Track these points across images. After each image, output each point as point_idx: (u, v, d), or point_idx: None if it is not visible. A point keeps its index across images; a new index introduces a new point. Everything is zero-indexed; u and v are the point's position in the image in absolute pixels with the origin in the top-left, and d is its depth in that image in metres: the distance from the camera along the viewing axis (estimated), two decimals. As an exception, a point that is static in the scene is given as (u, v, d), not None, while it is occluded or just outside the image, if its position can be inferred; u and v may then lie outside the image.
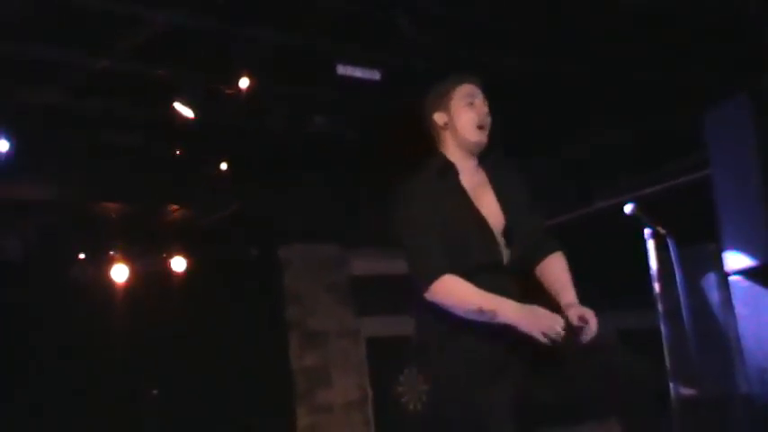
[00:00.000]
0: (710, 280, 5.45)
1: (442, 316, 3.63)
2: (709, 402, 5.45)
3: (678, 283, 5.05)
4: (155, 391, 8.46)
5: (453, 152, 3.88)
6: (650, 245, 4.92)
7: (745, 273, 4.76)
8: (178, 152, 6.82)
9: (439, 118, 3.87)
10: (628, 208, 4.85)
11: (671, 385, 4.73)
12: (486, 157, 3.96)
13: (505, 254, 3.78)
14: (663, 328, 4.96)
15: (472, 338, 3.59)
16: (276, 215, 8.51)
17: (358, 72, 6.09)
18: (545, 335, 3.44)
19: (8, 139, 6.14)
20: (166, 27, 5.38)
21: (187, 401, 8.45)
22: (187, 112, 6.10)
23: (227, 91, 6.04)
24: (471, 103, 3.86)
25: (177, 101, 6.02)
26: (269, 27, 5.64)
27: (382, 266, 10.03)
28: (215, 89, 6.08)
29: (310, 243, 9.62)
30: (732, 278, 4.87)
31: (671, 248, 4.96)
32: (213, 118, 6.35)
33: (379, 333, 9.95)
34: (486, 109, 3.88)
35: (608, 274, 9.39)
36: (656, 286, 4.88)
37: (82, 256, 7.89)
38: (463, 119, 3.84)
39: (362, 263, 9.95)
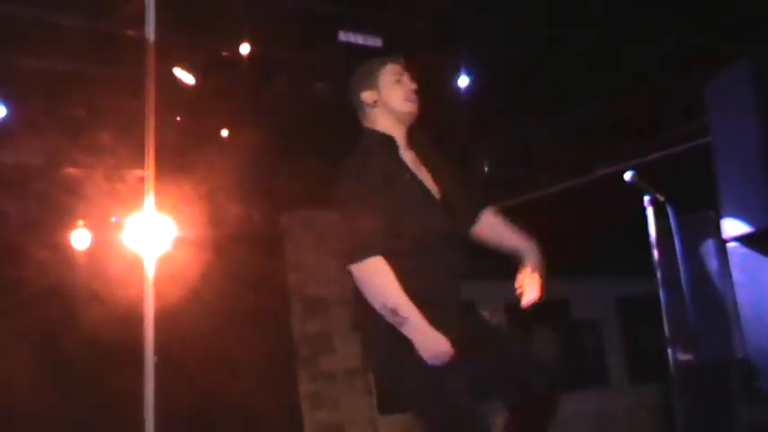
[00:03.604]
0: (709, 247, 5.46)
1: None
2: (706, 367, 5.48)
3: (677, 250, 5.07)
4: (155, 359, 8.46)
5: (386, 129, 3.97)
6: (650, 212, 4.95)
7: (742, 239, 4.77)
8: (179, 118, 6.81)
9: (368, 96, 3.97)
10: (628, 176, 4.87)
11: (669, 350, 4.77)
12: (414, 138, 4.05)
13: (449, 224, 3.87)
14: (662, 294, 4.99)
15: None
16: (278, 182, 8.52)
17: (360, 39, 6.08)
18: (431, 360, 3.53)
19: (6, 103, 6.15)
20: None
21: (188, 369, 8.48)
22: (187, 77, 6.09)
23: (229, 56, 6.04)
24: (399, 81, 3.96)
25: (177, 66, 6.02)
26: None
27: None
28: (216, 55, 6.07)
29: (312, 210, 9.63)
30: (730, 245, 4.88)
31: (670, 216, 4.98)
32: (214, 84, 6.35)
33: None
34: (413, 86, 3.99)
35: (607, 241, 9.44)
36: (656, 253, 4.92)
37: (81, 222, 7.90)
38: (393, 94, 3.94)
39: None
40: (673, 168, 6.66)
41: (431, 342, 3.52)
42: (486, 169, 8.48)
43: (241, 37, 5.92)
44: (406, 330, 3.51)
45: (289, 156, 7.91)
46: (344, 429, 9.48)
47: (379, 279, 3.56)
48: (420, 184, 3.89)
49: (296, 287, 9.56)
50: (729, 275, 4.99)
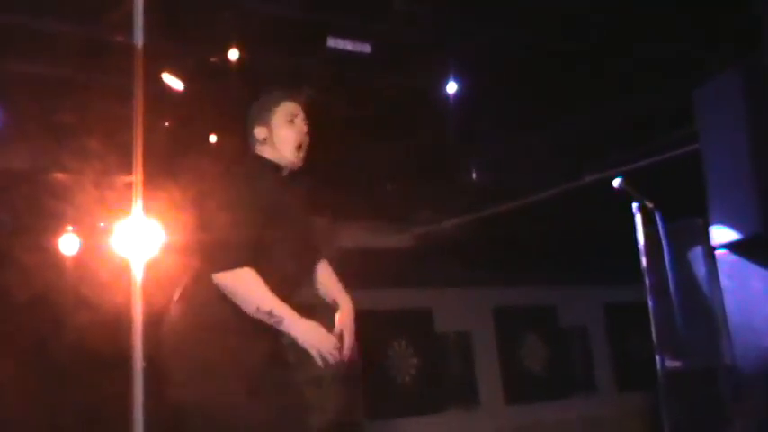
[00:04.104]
0: (697, 254, 5.48)
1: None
2: (694, 374, 5.50)
3: (665, 257, 5.08)
4: (143, 364, 8.41)
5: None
6: (638, 219, 4.96)
7: (730, 246, 4.79)
8: (167, 123, 6.80)
9: (259, 132, 3.96)
10: (616, 182, 4.88)
11: (657, 357, 4.77)
12: (296, 174, 4.05)
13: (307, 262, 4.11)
14: (650, 301, 5.00)
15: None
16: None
17: (348, 45, 6.08)
18: (320, 355, 3.73)
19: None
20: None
21: (176, 374, 8.43)
22: (176, 83, 6.08)
23: (218, 62, 6.03)
24: (292, 122, 3.95)
25: (166, 72, 6.01)
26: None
27: (371, 240, 10.07)
28: (204, 60, 6.06)
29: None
30: (718, 252, 4.89)
31: (659, 222, 4.99)
32: (202, 89, 6.34)
33: (368, 306, 9.96)
34: (305, 128, 3.99)
35: (596, 248, 9.45)
36: (644, 260, 4.92)
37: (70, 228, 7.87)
38: (283, 139, 3.93)
39: (351, 236, 9.96)
40: (661, 175, 6.68)
41: (313, 332, 3.75)
42: (473, 176, 8.48)
43: (229, 43, 5.91)
44: (286, 327, 3.71)
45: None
46: (332, 435, 9.48)
47: (250, 285, 3.68)
48: (296, 217, 3.97)
49: (284, 293, 9.54)
50: (718, 282, 5.01)
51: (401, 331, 10.25)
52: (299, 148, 3.94)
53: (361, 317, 10.37)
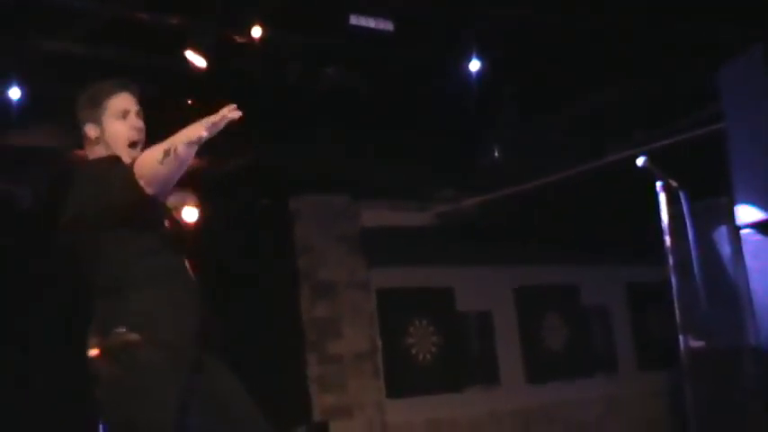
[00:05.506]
0: (722, 233, 5.45)
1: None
2: (718, 354, 5.48)
3: (689, 237, 5.05)
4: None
5: None
6: (662, 198, 4.92)
7: (756, 226, 4.76)
8: (190, 101, 6.80)
9: (91, 131, 3.68)
10: (640, 161, 4.84)
11: (680, 337, 4.75)
12: None
13: None
14: (673, 280, 4.97)
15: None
16: (288, 166, 8.50)
17: (371, 22, 6.05)
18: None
19: (20, 86, 6.13)
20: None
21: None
22: (199, 61, 6.07)
23: (240, 40, 6.02)
24: (125, 117, 3.66)
25: (189, 49, 6.00)
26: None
27: (393, 218, 10.07)
28: (228, 38, 6.05)
29: (321, 194, 9.62)
30: (743, 231, 4.87)
31: (683, 201, 4.95)
32: (226, 67, 6.33)
33: (390, 284, 9.99)
34: (140, 124, 3.70)
35: (620, 227, 9.42)
36: (668, 239, 4.89)
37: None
38: (117, 135, 3.65)
39: (373, 214, 9.96)
40: (686, 154, 6.64)
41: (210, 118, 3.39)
42: (496, 154, 8.46)
43: (252, 21, 5.90)
44: (202, 134, 3.35)
45: (299, 138, 7.90)
46: (352, 412, 9.49)
47: (152, 154, 3.40)
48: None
49: (304, 271, 9.56)
50: (742, 262, 4.99)
51: (422, 310, 10.25)
52: (133, 145, 3.66)
53: (383, 295, 10.40)
